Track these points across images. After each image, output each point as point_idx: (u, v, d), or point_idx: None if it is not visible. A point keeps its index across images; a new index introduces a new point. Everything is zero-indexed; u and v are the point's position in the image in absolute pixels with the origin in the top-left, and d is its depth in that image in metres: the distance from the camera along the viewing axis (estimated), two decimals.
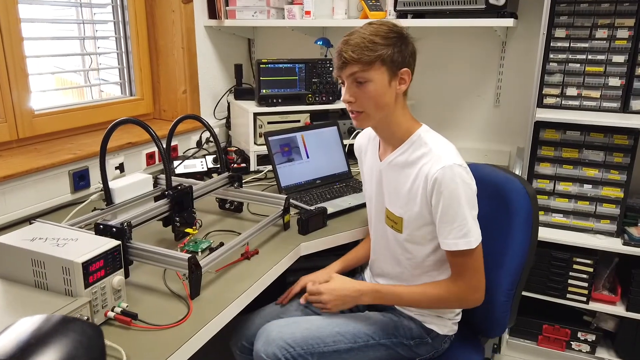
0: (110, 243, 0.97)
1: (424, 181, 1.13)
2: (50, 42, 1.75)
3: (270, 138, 1.71)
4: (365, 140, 1.38)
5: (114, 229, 1.06)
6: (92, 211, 1.33)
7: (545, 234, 1.73)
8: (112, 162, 1.71)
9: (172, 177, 1.51)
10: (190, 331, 0.95)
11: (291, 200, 1.49)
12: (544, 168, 1.78)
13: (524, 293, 1.71)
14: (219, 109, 2.27)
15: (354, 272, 1.50)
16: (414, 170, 1.17)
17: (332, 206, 1.56)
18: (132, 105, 2.00)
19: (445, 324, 1.28)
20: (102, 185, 1.35)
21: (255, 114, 1.94)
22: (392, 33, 1.13)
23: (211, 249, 1.25)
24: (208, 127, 1.46)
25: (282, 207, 1.42)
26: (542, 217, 1.78)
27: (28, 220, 1.14)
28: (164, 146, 1.30)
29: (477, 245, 1.13)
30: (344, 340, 1.21)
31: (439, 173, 1.10)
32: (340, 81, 1.19)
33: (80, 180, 1.59)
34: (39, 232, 1.01)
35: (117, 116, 1.28)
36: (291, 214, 1.46)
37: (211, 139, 2.10)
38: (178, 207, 1.29)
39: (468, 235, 1.11)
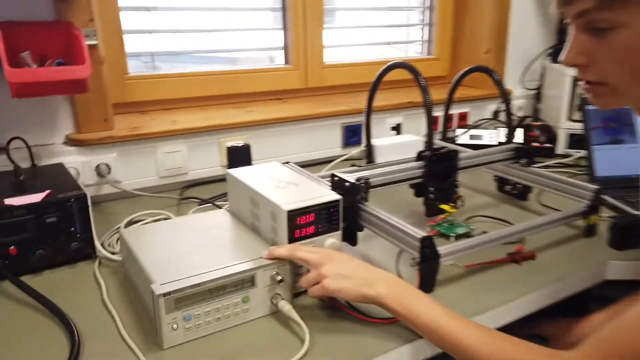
0: (328, 197, 0.77)
1: None
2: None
3: (590, 107, 1.22)
4: None
5: (347, 184, 0.87)
6: (350, 167, 1.20)
7: None
8: (389, 121, 1.55)
9: (448, 143, 1.25)
10: (395, 338, 0.68)
11: (605, 197, 1.01)
12: None
13: None
14: (530, 77, 1.83)
15: None
16: None
17: None
18: (424, 65, 1.79)
19: None
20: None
21: (576, 79, 1.45)
22: None
23: (468, 237, 0.93)
24: (497, 82, 1.11)
25: (589, 203, 0.97)
26: None
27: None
28: (444, 105, 1.03)
29: None
30: None
31: None
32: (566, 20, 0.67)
33: (352, 135, 1.49)
34: (273, 172, 0.90)
35: (406, 75, 1.07)
36: (602, 216, 0.99)
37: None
38: (436, 176, 1.01)
39: None
